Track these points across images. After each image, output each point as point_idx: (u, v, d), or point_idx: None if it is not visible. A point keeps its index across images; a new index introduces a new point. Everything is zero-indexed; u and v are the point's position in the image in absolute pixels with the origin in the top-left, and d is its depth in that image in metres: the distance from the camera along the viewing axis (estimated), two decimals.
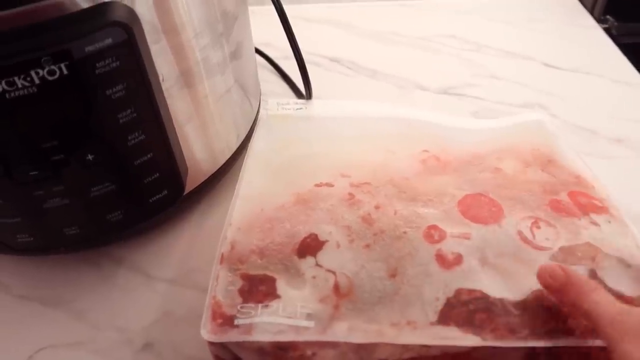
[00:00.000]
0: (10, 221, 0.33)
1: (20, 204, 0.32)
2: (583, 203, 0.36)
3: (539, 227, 0.34)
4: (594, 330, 0.28)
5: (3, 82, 0.27)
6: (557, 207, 0.35)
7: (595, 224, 0.34)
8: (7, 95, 0.27)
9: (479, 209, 0.35)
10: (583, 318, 0.28)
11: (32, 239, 0.35)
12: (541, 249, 0.32)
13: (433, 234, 0.33)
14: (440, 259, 0.32)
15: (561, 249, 0.32)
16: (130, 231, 0.39)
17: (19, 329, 0.37)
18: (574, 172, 0.40)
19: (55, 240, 0.35)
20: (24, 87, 0.27)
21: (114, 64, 0.29)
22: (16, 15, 0.26)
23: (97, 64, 0.29)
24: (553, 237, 0.33)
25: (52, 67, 0.27)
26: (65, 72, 0.28)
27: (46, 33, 0.27)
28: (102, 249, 0.41)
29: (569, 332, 0.29)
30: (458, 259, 0.32)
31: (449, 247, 0.32)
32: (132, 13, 0.29)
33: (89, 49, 0.28)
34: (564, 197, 0.37)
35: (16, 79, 0.27)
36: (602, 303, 0.26)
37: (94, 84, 0.29)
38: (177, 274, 0.40)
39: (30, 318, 0.38)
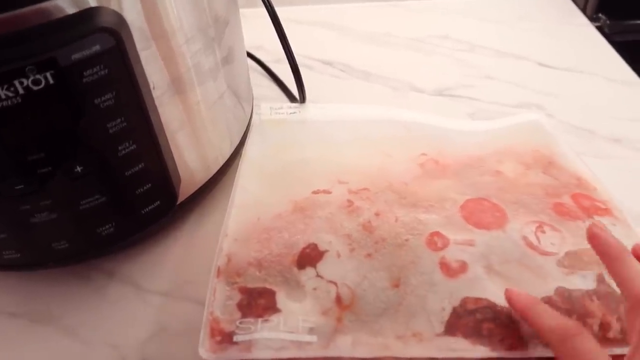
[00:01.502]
0: None
1: (6, 219, 0.31)
2: (586, 206, 0.36)
3: (543, 232, 0.33)
4: (604, 338, 0.28)
5: None
6: (560, 211, 0.35)
7: None
8: None
9: (482, 214, 0.34)
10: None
11: (19, 255, 0.33)
12: (547, 254, 0.32)
13: (436, 241, 0.32)
14: (445, 267, 0.31)
15: (567, 253, 0.32)
16: (121, 244, 0.38)
17: (7, 347, 0.36)
18: (575, 173, 0.39)
19: (43, 255, 0.34)
20: (7, 97, 0.26)
21: (102, 72, 0.28)
22: None
23: (84, 72, 0.27)
24: (559, 242, 0.32)
25: (37, 76, 0.26)
26: (51, 81, 0.26)
27: (30, 41, 0.25)
28: (91, 262, 0.40)
29: None
30: (463, 267, 0.31)
31: (452, 254, 0.32)
32: (120, 18, 0.28)
33: (76, 56, 0.27)
34: (567, 200, 0.36)
35: None
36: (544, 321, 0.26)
37: (81, 93, 0.28)
38: (171, 287, 0.39)
39: (18, 336, 0.36)
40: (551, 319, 0.26)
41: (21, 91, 0.26)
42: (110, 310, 0.38)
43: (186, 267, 0.40)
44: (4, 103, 0.26)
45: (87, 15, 0.27)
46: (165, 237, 0.42)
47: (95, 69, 0.28)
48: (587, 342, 0.24)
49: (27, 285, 0.39)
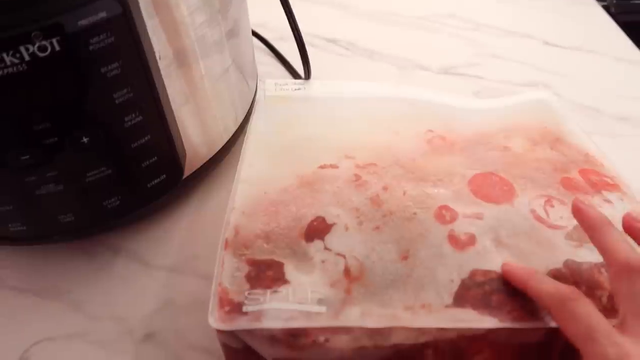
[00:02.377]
0: (2, 209, 0.31)
1: (12, 191, 0.31)
2: (594, 181, 0.35)
3: (552, 206, 0.33)
4: (612, 309, 0.28)
5: None
6: (569, 185, 0.35)
7: (608, 201, 0.34)
8: None
9: (490, 188, 0.34)
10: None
11: (25, 227, 0.33)
12: (556, 227, 0.31)
13: (444, 215, 0.32)
14: (453, 239, 0.31)
15: (576, 227, 0.32)
16: (127, 218, 0.38)
17: (13, 322, 0.36)
18: (583, 150, 0.39)
19: (49, 228, 0.34)
20: (13, 64, 0.25)
21: (109, 40, 0.28)
22: None
23: (90, 40, 0.27)
24: (567, 216, 0.32)
25: (43, 42, 0.26)
26: (57, 48, 0.26)
27: (36, 5, 0.25)
28: (97, 238, 0.40)
29: None
30: (471, 240, 0.31)
31: (461, 227, 0.31)
32: None
33: (82, 22, 0.26)
34: (575, 174, 0.36)
35: (4, 55, 0.25)
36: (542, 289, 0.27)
37: (87, 61, 0.28)
38: (177, 262, 0.39)
39: (24, 310, 0.36)
40: (550, 286, 0.27)
41: (27, 58, 0.26)
42: (116, 286, 0.38)
43: (192, 242, 0.40)
44: (10, 70, 0.26)
45: None
46: (170, 213, 0.42)
47: (101, 37, 0.27)
48: (585, 307, 0.25)
49: (34, 262, 0.39)
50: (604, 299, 0.29)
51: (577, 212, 0.29)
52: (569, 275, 0.29)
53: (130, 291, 0.37)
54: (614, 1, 0.68)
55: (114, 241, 0.40)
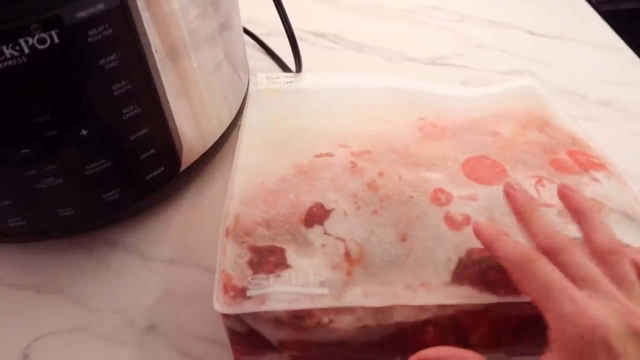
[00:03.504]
0: (1, 204, 0.31)
1: (12, 185, 0.31)
2: (582, 161, 0.37)
3: (543, 185, 0.34)
4: None
5: None
6: (558, 166, 0.36)
7: (596, 180, 0.35)
8: None
9: (483, 170, 0.35)
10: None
11: (24, 222, 0.33)
12: (547, 205, 0.32)
13: (440, 197, 0.33)
14: (449, 220, 0.32)
15: None
16: (125, 211, 0.38)
17: (14, 318, 0.36)
18: (569, 132, 0.40)
19: (49, 223, 0.34)
20: (12, 57, 0.26)
21: (107, 32, 0.28)
22: None
23: (89, 32, 0.27)
24: (557, 194, 0.33)
25: (42, 34, 0.26)
26: (56, 40, 0.26)
27: None
28: (96, 233, 0.40)
29: None
30: (467, 220, 0.32)
31: (456, 209, 0.32)
32: None
33: (81, 14, 0.26)
34: (563, 156, 0.37)
35: (4, 48, 0.25)
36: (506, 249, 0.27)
37: (86, 53, 0.28)
38: (176, 254, 0.39)
39: (25, 306, 0.36)
40: (512, 247, 0.27)
41: (27, 50, 0.26)
42: (116, 279, 0.38)
43: (189, 234, 0.41)
44: (9, 62, 0.26)
45: None
46: (167, 206, 0.42)
47: (99, 28, 0.28)
48: (544, 265, 0.25)
49: (33, 258, 0.39)
50: None
51: (509, 196, 0.31)
52: None
53: (130, 284, 0.37)
54: None
55: (112, 235, 0.40)
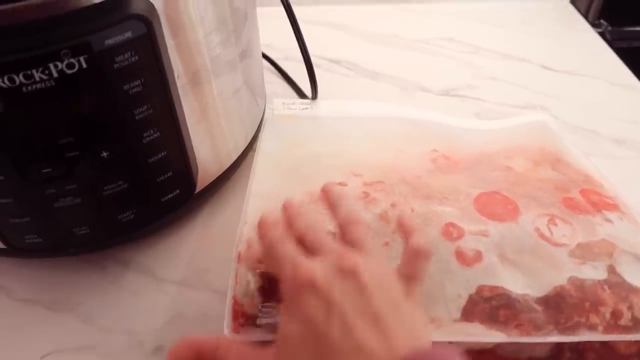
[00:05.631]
0: (19, 221, 0.32)
1: (31, 203, 0.31)
2: (595, 201, 0.37)
3: (555, 224, 0.34)
4: (615, 325, 0.29)
5: (21, 75, 0.26)
6: (570, 205, 0.36)
7: (608, 220, 0.35)
8: (24, 89, 0.26)
9: (495, 206, 0.35)
10: None
11: (40, 239, 0.33)
12: (559, 245, 0.32)
13: (451, 232, 0.33)
14: (460, 256, 0.32)
15: (579, 245, 0.33)
16: (139, 232, 0.38)
17: (24, 334, 0.36)
18: (583, 170, 0.40)
19: (64, 240, 0.34)
20: (41, 80, 0.26)
21: (133, 58, 0.29)
22: (36, 8, 0.25)
23: (116, 58, 0.28)
24: (570, 234, 0.33)
25: (71, 60, 0.27)
26: (84, 65, 0.27)
27: (66, 25, 0.26)
28: (108, 252, 0.40)
29: (592, 327, 0.29)
30: (478, 256, 0.32)
31: (468, 244, 0.32)
32: (151, 6, 0.29)
33: (109, 42, 0.27)
34: (576, 194, 0.37)
35: (34, 71, 0.26)
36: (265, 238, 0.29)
37: (112, 78, 0.29)
38: (187, 275, 0.39)
39: (34, 323, 0.37)
40: (269, 237, 0.29)
41: (55, 74, 0.27)
42: (127, 299, 0.38)
43: (201, 256, 0.41)
44: (38, 85, 0.27)
45: (121, 2, 0.27)
46: (180, 227, 0.42)
47: (126, 55, 0.28)
48: (284, 246, 0.28)
49: (43, 274, 0.39)
50: (608, 315, 0.30)
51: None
52: (573, 291, 0.30)
53: (140, 304, 0.38)
54: (609, 28, 0.70)
55: (124, 254, 0.40)
